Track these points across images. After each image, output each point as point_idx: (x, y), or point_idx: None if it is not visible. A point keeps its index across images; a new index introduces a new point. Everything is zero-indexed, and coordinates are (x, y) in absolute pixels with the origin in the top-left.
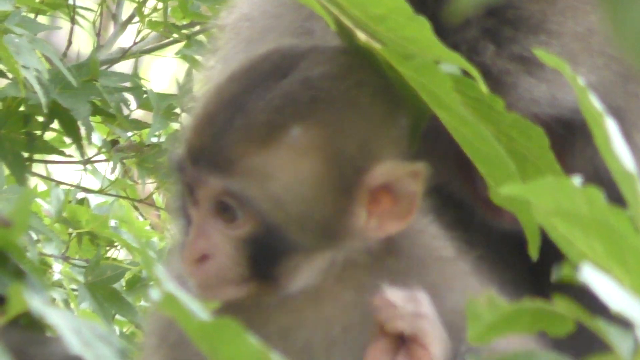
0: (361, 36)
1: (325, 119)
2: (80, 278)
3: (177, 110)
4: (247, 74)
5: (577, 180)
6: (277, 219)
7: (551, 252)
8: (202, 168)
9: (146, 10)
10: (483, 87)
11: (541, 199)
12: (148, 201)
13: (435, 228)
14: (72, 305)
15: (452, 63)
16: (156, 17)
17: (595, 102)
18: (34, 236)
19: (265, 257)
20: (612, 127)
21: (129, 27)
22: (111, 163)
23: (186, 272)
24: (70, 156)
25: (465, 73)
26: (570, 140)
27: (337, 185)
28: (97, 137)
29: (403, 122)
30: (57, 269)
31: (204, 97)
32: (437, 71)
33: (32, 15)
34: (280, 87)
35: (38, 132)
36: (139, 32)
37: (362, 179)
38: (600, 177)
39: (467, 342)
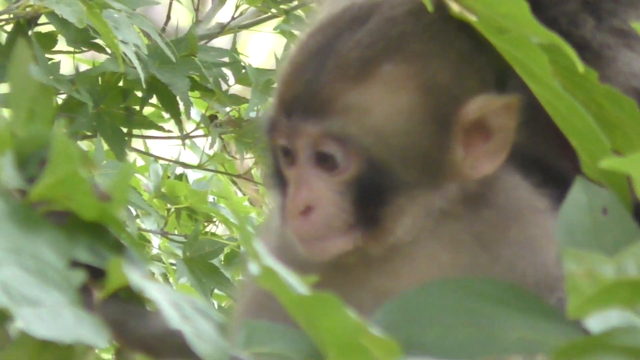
0: (455, 7)
1: (416, 51)
2: (179, 253)
3: (276, 85)
4: (329, 25)
5: None
6: (379, 154)
7: None
8: (297, 118)
9: None
10: (579, 65)
11: (638, 171)
12: (246, 176)
13: (529, 183)
14: (170, 279)
15: (548, 41)
16: None
17: None
18: (133, 211)
19: (370, 198)
20: None
21: (228, 2)
22: (209, 138)
23: (290, 229)
24: (168, 131)
25: None
26: None
27: (435, 116)
28: (195, 112)
29: (490, 58)
30: (156, 243)
31: (289, 53)
32: (531, 45)
33: None
34: (367, 27)
35: (137, 107)
36: (237, 7)
37: (458, 110)
38: None
39: (561, 292)
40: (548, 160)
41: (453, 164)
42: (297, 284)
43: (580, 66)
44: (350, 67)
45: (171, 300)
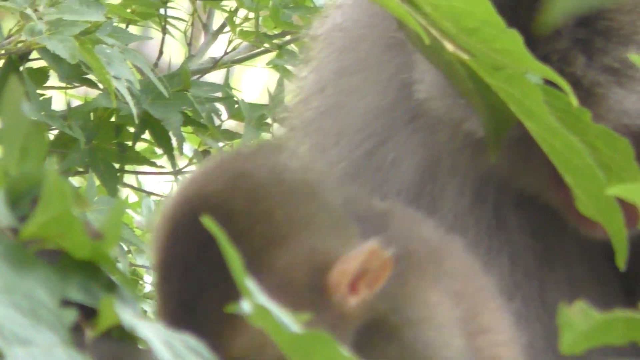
0: (449, 47)
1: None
2: None
3: (269, 121)
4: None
5: None
6: None
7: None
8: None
9: (237, 20)
10: (573, 99)
11: None
12: None
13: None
14: None
15: (543, 76)
16: (247, 26)
17: None
18: (125, 247)
19: None
20: None
21: (220, 36)
22: None
23: None
24: (161, 167)
25: (553, 84)
26: None
27: (310, 298)
28: (188, 148)
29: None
30: (149, 280)
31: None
32: (527, 82)
33: (123, 26)
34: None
35: (129, 143)
36: (230, 41)
37: (325, 277)
38: None
39: None
40: (542, 196)
41: (336, 309)
42: (290, 322)
43: (575, 102)
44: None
45: (163, 339)
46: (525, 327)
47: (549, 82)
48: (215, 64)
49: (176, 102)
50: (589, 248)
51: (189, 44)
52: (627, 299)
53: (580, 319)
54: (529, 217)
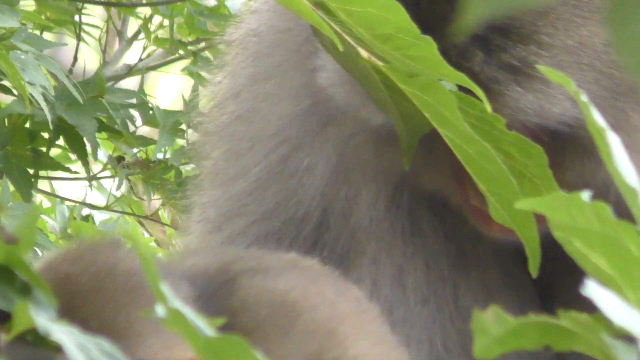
0: (363, 54)
1: None
2: None
3: (183, 127)
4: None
5: (585, 195)
6: None
7: (553, 267)
8: None
9: (152, 26)
10: (487, 106)
11: (555, 213)
12: (154, 217)
13: None
14: None
15: (457, 83)
16: (162, 33)
17: (598, 117)
18: (39, 252)
19: None
20: (615, 142)
21: (135, 43)
22: (117, 179)
23: None
24: (75, 172)
25: (468, 91)
26: (560, 152)
27: None
28: (102, 154)
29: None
30: None
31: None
32: (441, 89)
33: (37, 32)
34: None
35: (44, 149)
36: (144, 48)
37: None
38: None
39: None
40: (443, 192)
41: None
42: (204, 326)
43: (489, 109)
44: None
45: (77, 343)
46: (440, 331)
47: (463, 89)
48: (129, 70)
49: (91, 108)
50: (503, 253)
51: (104, 51)
52: (541, 303)
53: (494, 324)
54: (443, 222)
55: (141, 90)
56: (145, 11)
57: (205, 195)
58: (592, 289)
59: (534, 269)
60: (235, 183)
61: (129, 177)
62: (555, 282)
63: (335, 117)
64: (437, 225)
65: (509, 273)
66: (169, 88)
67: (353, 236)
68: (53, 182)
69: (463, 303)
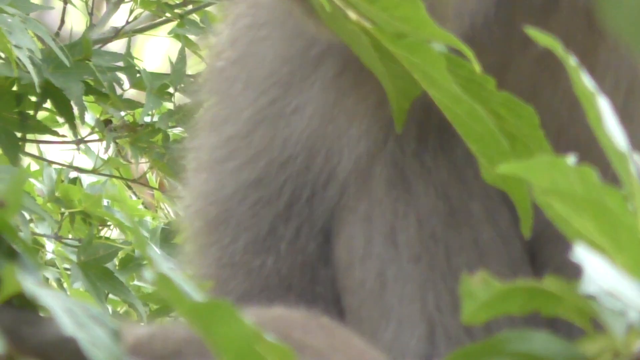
0: (352, 15)
1: None
2: (73, 257)
3: (170, 90)
4: None
5: (571, 159)
6: None
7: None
8: None
9: None
10: (477, 67)
11: (537, 177)
12: (141, 181)
13: None
14: (65, 284)
15: (445, 43)
16: None
17: (587, 82)
18: (27, 216)
19: None
20: (604, 106)
21: (122, 6)
22: (104, 142)
23: None
24: (63, 136)
25: (457, 52)
26: None
27: None
28: (90, 117)
29: None
30: (50, 248)
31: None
32: (430, 50)
33: None
34: None
35: (31, 112)
36: (131, 11)
37: None
38: None
39: None
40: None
41: None
42: (192, 290)
43: (479, 69)
44: None
45: (65, 307)
46: (432, 290)
47: (453, 50)
48: (116, 33)
49: (78, 71)
50: (494, 210)
51: (91, 14)
52: (532, 260)
53: (481, 289)
54: (433, 180)
55: (128, 53)
56: None
57: (198, 140)
58: (580, 254)
59: (526, 230)
60: (226, 126)
61: (117, 140)
62: (545, 245)
63: (323, 58)
64: (427, 183)
65: (499, 232)
66: (156, 51)
67: (342, 190)
68: (40, 145)
69: (455, 262)
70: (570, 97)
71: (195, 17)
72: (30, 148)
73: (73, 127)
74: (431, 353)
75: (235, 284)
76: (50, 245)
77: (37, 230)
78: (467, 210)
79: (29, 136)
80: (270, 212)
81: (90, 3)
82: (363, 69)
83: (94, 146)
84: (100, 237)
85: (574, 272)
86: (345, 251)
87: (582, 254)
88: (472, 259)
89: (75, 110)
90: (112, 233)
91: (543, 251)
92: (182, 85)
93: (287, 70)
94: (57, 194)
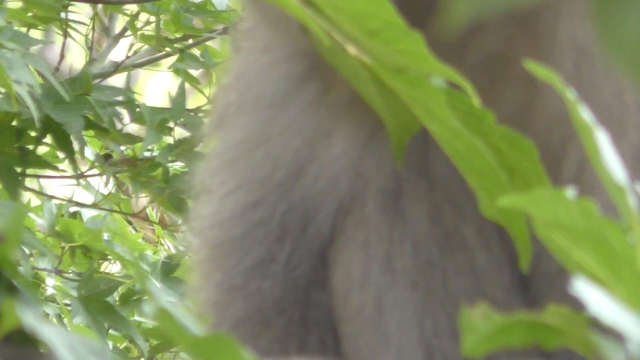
0: (351, 50)
1: None
2: (74, 292)
3: (170, 124)
4: None
5: (571, 192)
6: None
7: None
8: None
9: (139, 23)
10: (476, 101)
11: (538, 210)
12: (141, 215)
13: None
14: (65, 320)
15: (445, 77)
16: (149, 30)
17: (585, 114)
18: (27, 251)
19: None
20: (602, 139)
21: (122, 40)
22: (104, 177)
23: None
24: (63, 170)
25: (456, 87)
26: None
27: None
28: (90, 152)
29: None
30: (50, 283)
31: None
32: (429, 84)
33: (24, 30)
34: None
35: (31, 147)
36: (131, 45)
37: None
38: None
39: None
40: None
41: None
42: (192, 324)
43: (478, 104)
44: None
45: (65, 343)
46: (430, 315)
47: (452, 85)
48: (116, 67)
49: (78, 106)
50: (487, 235)
51: (91, 48)
52: (523, 285)
53: (482, 322)
54: (426, 205)
55: (128, 87)
56: (132, 8)
57: (203, 166)
58: (579, 287)
59: (525, 264)
60: (224, 149)
61: (117, 175)
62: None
63: (312, 73)
64: (420, 205)
65: (493, 257)
66: (156, 86)
67: (337, 214)
68: (41, 180)
69: (452, 287)
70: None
71: (195, 51)
72: (30, 183)
73: (73, 162)
74: None
75: (234, 309)
76: (50, 281)
77: (38, 265)
78: (461, 235)
79: (29, 171)
80: (266, 235)
81: (90, 37)
82: (352, 92)
83: (94, 181)
84: (101, 272)
85: (568, 303)
86: (342, 278)
87: (582, 286)
88: (468, 284)
89: (75, 145)
90: (112, 267)
91: (535, 284)
92: (182, 119)
93: (272, 90)
94: (57, 228)
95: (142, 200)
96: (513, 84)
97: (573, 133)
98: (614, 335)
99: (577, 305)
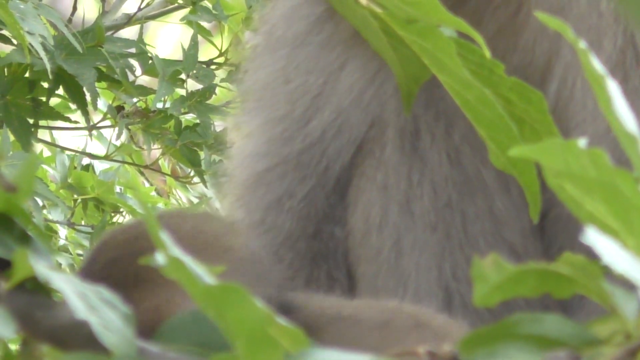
0: (362, 0)
1: None
2: (86, 243)
3: (183, 76)
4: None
5: (582, 141)
6: None
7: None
8: None
9: None
10: (486, 52)
11: (549, 160)
12: (154, 167)
13: None
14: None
15: (455, 28)
16: None
17: (597, 65)
18: (40, 202)
19: None
20: (614, 89)
21: None
22: (117, 129)
23: None
24: (75, 122)
25: (467, 37)
26: None
27: None
28: (102, 103)
29: None
30: (63, 234)
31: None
32: (440, 35)
33: None
34: None
35: (43, 98)
36: None
37: None
38: None
39: None
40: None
41: None
42: (204, 274)
43: (488, 54)
44: None
45: (77, 291)
46: (449, 258)
47: (462, 35)
48: (129, 20)
49: (90, 57)
50: (506, 178)
51: (103, 0)
52: (541, 230)
53: (493, 271)
54: (446, 147)
55: (140, 39)
56: None
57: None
58: (591, 237)
59: (535, 214)
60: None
61: (129, 127)
62: (552, 224)
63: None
64: (439, 147)
65: (512, 200)
66: (168, 38)
67: (356, 154)
68: (53, 131)
69: (471, 230)
70: None
71: (207, 3)
72: (42, 134)
73: (85, 114)
74: None
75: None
76: (63, 232)
77: (50, 217)
78: (481, 178)
79: (42, 122)
80: (286, 171)
81: None
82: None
83: (106, 132)
84: (113, 224)
85: (581, 250)
86: (361, 219)
87: (594, 236)
88: (487, 227)
89: (88, 97)
90: (124, 219)
91: (550, 229)
92: (194, 71)
93: (293, 31)
94: (69, 180)
95: (155, 152)
96: (498, 1)
97: (557, 48)
98: (627, 284)
99: (591, 252)
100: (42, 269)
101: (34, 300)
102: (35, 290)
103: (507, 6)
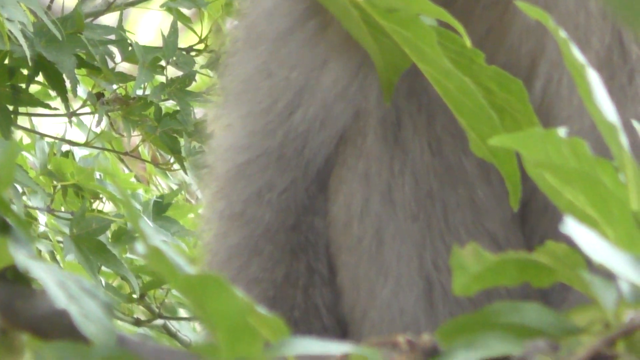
0: None
1: None
2: (66, 230)
3: (162, 63)
4: None
5: (562, 131)
6: None
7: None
8: None
9: None
10: (467, 41)
11: (529, 149)
12: (134, 154)
13: None
14: (58, 257)
15: (436, 17)
16: None
17: (577, 54)
18: (20, 189)
19: None
20: (594, 79)
21: None
22: (96, 116)
23: None
24: (55, 109)
25: (447, 26)
26: None
27: None
28: (82, 90)
29: None
30: (43, 221)
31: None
32: (420, 24)
33: None
34: None
35: (23, 85)
36: None
37: None
38: None
39: None
40: None
41: None
42: (184, 263)
43: (469, 43)
44: None
45: (57, 280)
46: (430, 248)
47: (442, 24)
48: (108, 6)
49: (70, 44)
50: (487, 168)
51: None
52: (522, 220)
53: (472, 261)
54: (427, 136)
55: (120, 26)
56: None
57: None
58: (571, 226)
59: (515, 203)
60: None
61: (109, 114)
62: (532, 214)
63: (312, 11)
64: (420, 136)
65: (493, 190)
66: (148, 24)
67: (338, 144)
68: (33, 118)
69: (452, 220)
70: None
71: None
72: (22, 121)
73: (65, 100)
74: (429, 311)
75: (230, 238)
76: (42, 218)
77: (30, 203)
78: (462, 167)
79: (21, 109)
80: (267, 163)
81: None
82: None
83: (86, 119)
84: (93, 210)
85: (563, 239)
86: (343, 209)
87: (573, 226)
88: (468, 217)
89: (68, 84)
90: (104, 206)
91: (531, 218)
92: (174, 58)
93: (275, 27)
94: (49, 167)
95: (135, 138)
96: (486, 1)
97: (543, 46)
98: (606, 273)
99: (573, 241)
100: (22, 258)
101: (13, 289)
102: (15, 280)
103: (495, 6)
